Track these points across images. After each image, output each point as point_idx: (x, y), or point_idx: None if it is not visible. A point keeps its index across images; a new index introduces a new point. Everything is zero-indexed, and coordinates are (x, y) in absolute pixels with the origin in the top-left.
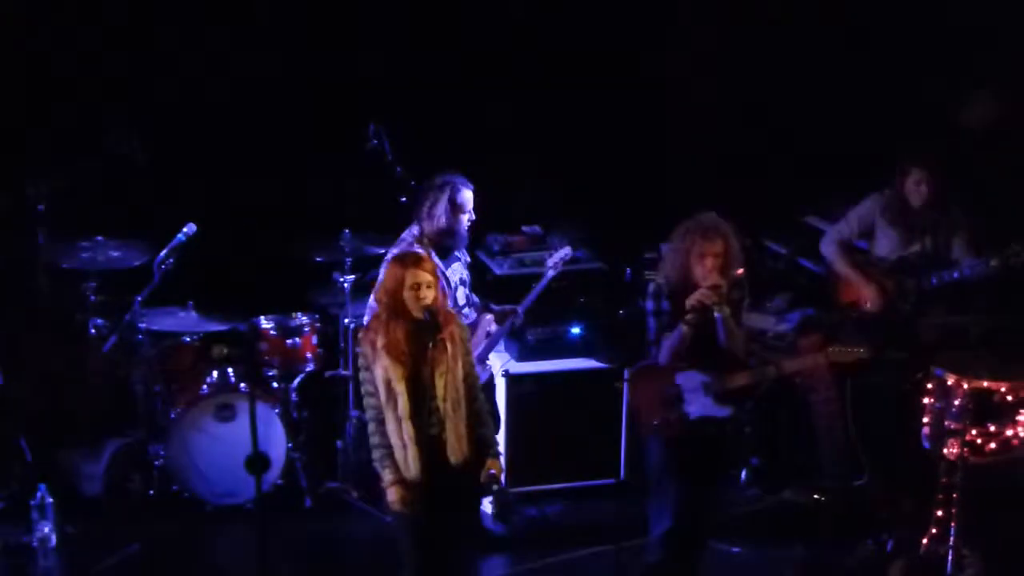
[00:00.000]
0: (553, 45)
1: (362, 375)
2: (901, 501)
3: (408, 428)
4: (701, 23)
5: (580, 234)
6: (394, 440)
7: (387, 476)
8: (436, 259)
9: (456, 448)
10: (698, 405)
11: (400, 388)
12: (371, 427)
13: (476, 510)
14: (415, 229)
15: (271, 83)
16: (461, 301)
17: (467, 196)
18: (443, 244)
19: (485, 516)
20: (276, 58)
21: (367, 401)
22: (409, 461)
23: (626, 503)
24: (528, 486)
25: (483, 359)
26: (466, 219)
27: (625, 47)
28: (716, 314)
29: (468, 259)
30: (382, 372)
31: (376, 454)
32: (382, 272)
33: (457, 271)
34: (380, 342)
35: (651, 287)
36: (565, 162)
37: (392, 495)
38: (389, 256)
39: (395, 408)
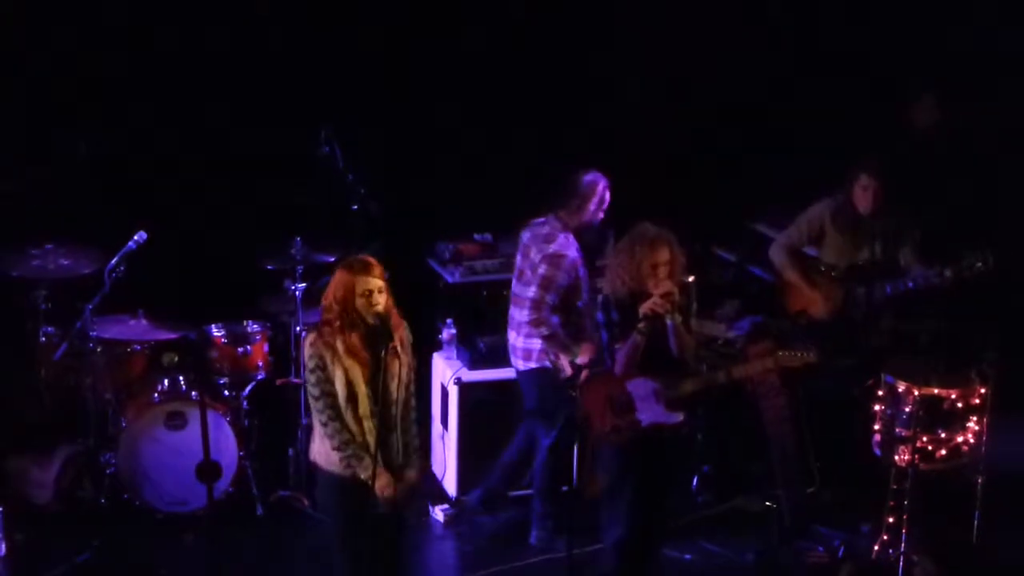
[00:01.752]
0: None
1: (314, 376)
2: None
3: (369, 427)
4: (650, 25)
5: None
6: (356, 439)
7: (366, 469)
8: (575, 251)
9: (400, 451)
10: (649, 412)
11: (362, 389)
12: (334, 426)
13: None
14: (556, 221)
15: (222, 87)
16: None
17: (604, 196)
18: (582, 239)
19: (436, 524)
20: (232, 60)
21: (323, 401)
22: (366, 459)
23: (578, 510)
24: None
25: None
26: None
27: (573, 48)
28: (668, 322)
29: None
30: (343, 373)
31: (345, 451)
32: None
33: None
34: (340, 345)
35: (600, 298)
36: (511, 167)
37: (381, 485)
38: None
39: (355, 409)
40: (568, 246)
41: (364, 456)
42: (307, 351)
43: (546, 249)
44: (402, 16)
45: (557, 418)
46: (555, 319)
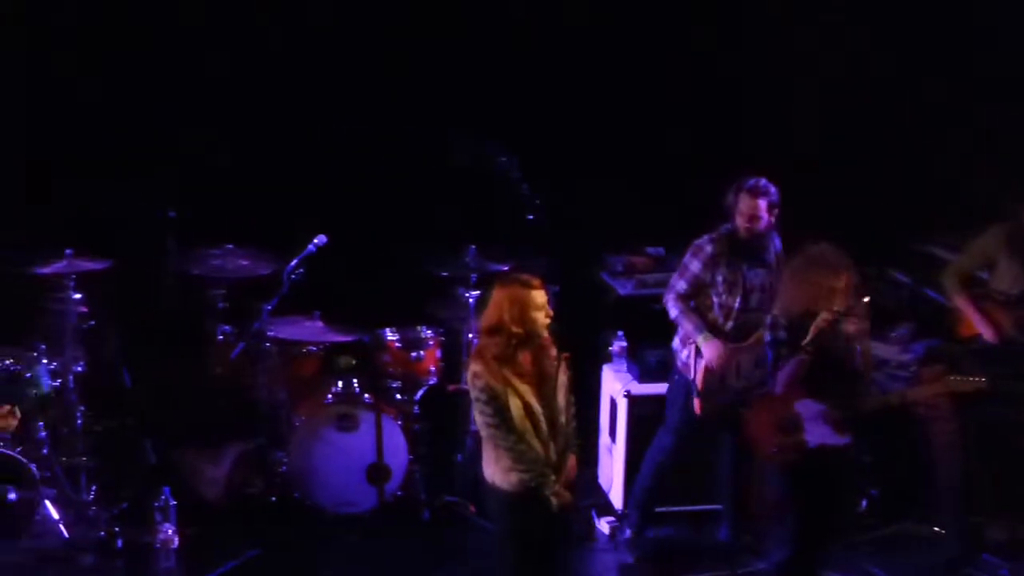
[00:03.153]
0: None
1: (489, 407)
2: None
3: (552, 444)
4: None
5: None
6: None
7: (551, 485)
8: (715, 247)
9: (573, 464)
10: (817, 433)
11: (539, 409)
12: (520, 448)
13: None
14: (730, 224)
15: (404, 95)
16: (752, 304)
17: (750, 204)
18: (747, 245)
19: (601, 536)
20: (414, 69)
21: (504, 428)
22: (551, 476)
23: (744, 529)
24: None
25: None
26: (756, 225)
27: (736, 68)
28: (856, 347)
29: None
30: (517, 398)
31: (533, 470)
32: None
33: (760, 276)
34: (509, 371)
35: (768, 318)
36: (682, 188)
37: (559, 498)
38: (702, 241)
39: (535, 427)
40: (708, 241)
41: (550, 472)
42: (474, 382)
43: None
44: (576, 36)
45: (674, 430)
46: (679, 306)
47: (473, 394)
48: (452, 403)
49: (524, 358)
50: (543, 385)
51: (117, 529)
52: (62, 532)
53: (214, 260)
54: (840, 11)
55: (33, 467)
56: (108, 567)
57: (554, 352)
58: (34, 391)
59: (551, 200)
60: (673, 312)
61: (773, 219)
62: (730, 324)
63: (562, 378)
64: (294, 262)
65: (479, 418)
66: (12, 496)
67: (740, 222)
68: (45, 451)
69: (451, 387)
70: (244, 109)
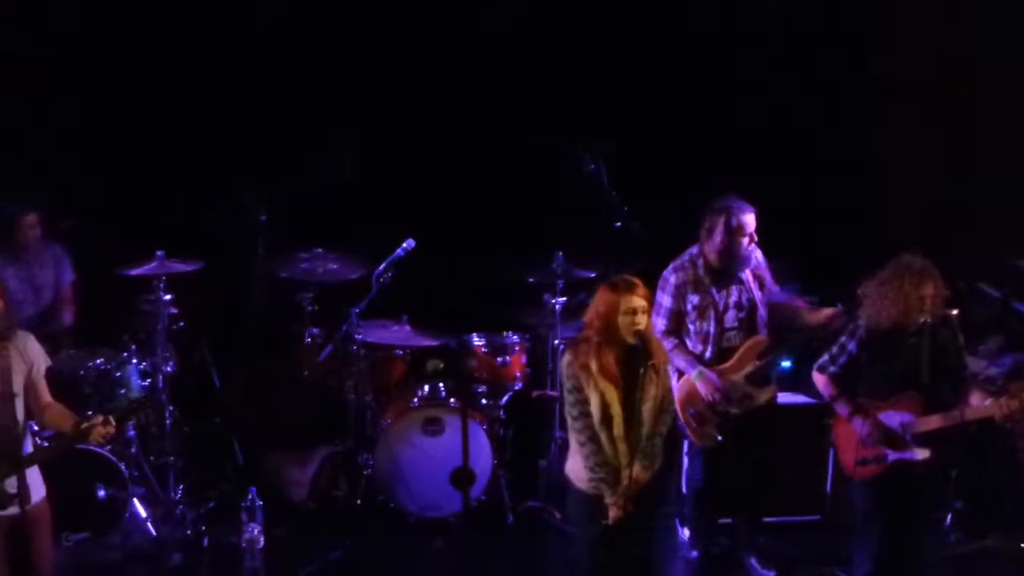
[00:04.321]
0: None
1: (571, 396)
2: None
3: (623, 449)
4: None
5: (794, 268)
6: (610, 460)
7: (612, 493)
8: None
9: (646, 472)
10: (900, 447)
11: (617, 411)
12: (590, 447)
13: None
14: (695, 249)
15: (493, 107)
16: (727, 324)
17: (745, 219)
18: (721, 267)
19: (682, 542)
20: (502, 78)
21: (581, 422)
22: (615, 483)
23: (828, 541)
24: (727, 517)
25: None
26: (746, 242)
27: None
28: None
29: (751, 281)
30: (598, 395)
31: (597, 473)
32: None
33: (732, 294)
34: (594, 365)
35: (854, 327)
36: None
37: (618, 511)
38: (666, 272)
39: (609, 430)
40: (672, 272)
41: (614, 479)
42: (564, 370)
43: None
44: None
45: (694, 455)
46: (668, 344)
47: (561, 381)
48: (537, 409)
49: (609, 359)
50: (629, 391)
51: (204, 528)
52: (150, 530)
53: (303, 263)
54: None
55: (122, 466)
56: (194, 565)
57: (649, 360)
58: (124, 391)
59: (640, 207)
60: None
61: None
62: (710, 350)
63: (651, 388)
64: (383, 266)
65: (565, 409)
66: (101, 494)
67: (720, 243)
68: (134, 450)
69: (536, 393)
70: (338, 114)
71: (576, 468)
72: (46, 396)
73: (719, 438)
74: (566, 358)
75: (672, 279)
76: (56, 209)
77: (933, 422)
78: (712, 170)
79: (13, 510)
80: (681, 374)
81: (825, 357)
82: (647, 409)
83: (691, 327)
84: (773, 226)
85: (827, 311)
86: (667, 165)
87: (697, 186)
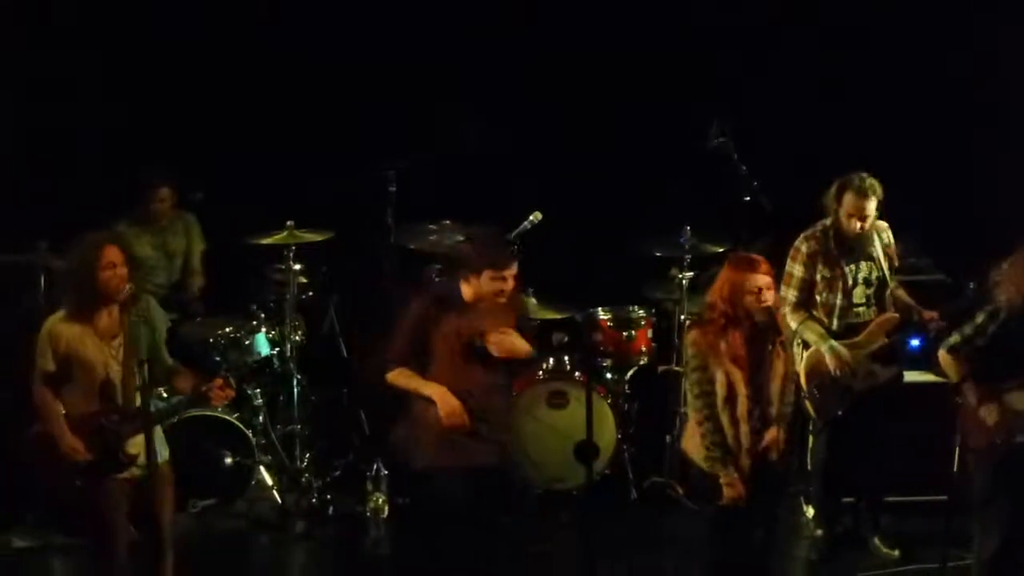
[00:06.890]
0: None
1: (695, 375)
2: None
3: (745, 429)
4: None
5: (923, 244)
6: (729, 441)
7: (728, 473)
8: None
9: (775, 449)
10: None
11: (742, 390)
12: (708, 425)
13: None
14: (828, 220)
15: (622, 78)
16: (857, 300)
17: (857, 204)
18: (851, 241)
19: (806, 521)
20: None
21: (702, 400)
22: (731, 464)
23: (952, 522)
24: (851, 496)
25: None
26: (855, 222)
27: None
28: None
29: (882, 259)
30: (723, 375)
31: (713, 452)
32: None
33: (862, 269)
34: (721, 345)
35: (991, 308)
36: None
37: (732, 491)
38: (797, 242)
39: (732, 410)
40: (803, 241)
41: (730, 460)
42: (689, 349)
43: None
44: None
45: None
46: (796, 318)
47: (685, 359)
48: (662, 384)
49: (736, 338)
50: (754, 370)
51: (329, 497)
52: (275, 498)
53: (431, 235)
54: None
55: (249, 433)
56: (319, 534)
57: (778, 336)
58: (251, 359)
59: (771, 181)
60: (793, 326)
61: (878, 213)
62: (835, 324)
63: (778, 366)
64: (510, 238)
65: (686, 385)
66: (228, 461)
67: (843, 219)
68: (261, 418)
69: (662, 367)
70: (468, 87)
71: (694, 445)
72: (168, 359)
73: (839, 412)
74: (691, 336)
75: (804, 248)
76: (187, 181)
77: None
78: (841, 144)
79: (137, 471)
80: (807, 346)
81: (955, 337)
82: (775, 387)
83: (817, 298)
84: (904, 200)
85: (929, 314)
86: (798, 139)
87: (827, 160)
